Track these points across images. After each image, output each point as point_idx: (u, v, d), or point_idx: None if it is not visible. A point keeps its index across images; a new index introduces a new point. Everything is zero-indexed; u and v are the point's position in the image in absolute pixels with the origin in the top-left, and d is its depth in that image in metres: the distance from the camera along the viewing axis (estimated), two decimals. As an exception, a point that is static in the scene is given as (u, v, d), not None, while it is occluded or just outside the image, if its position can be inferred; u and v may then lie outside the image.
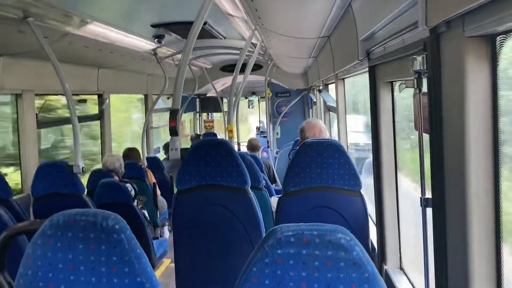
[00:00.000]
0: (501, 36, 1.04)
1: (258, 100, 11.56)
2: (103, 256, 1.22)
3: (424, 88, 1.43)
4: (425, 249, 1.53)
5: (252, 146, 6.69)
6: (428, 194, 1.42)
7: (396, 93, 2.20)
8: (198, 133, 10.23)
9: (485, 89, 1.10)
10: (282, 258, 1.07)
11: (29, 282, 1.25)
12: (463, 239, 1.17)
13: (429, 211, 1.44)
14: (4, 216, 2.50)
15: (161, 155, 7.65)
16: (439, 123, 1.27)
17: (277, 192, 4.62)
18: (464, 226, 1.16)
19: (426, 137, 1.44)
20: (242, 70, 4.28)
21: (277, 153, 8.31)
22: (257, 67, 7.93)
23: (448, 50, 1.18)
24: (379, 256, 2.40)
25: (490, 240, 1.15)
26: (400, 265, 2.33)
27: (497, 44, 1.06)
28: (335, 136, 4.65)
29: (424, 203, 1.43)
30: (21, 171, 4.06)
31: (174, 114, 2.38)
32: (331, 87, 5.36)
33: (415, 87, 1.45)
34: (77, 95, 4.96)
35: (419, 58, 1.36)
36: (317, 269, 1.06)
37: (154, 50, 4.92)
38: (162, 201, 5.67)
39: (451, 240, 1.27)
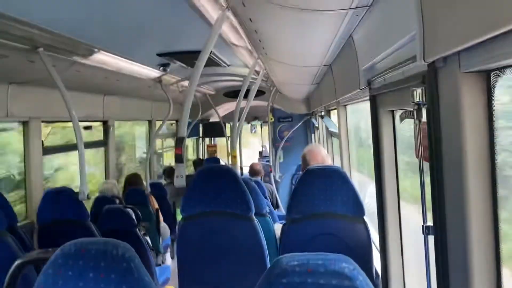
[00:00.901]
0: (495, 72, 1.09)
1: (261, 125, 11.64)
2: (113, 284, 1.25)
3: (424, 119, 1.48)
4: (428, 276, 1.55)
5: (253, 171, 6.71)
6: (430, 222, 1.45)
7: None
8: (201, 158, 10.26)
9: (481, 121, 1.15)
10: None
11: None
12: (465, 266, 1.19)
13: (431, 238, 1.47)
14: (11, 244, 2.52)
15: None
16: (438, 152, 1.31)
17: (280, 217, 4.62)
18: (465, 253, 1.18)
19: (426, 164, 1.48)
20: (245, 96, 4.36)
21: (280, 177, 8.32)
22: (260, 93, 8.04)
23: (446, 84, 1.23)
24: (383, 283, 2.40)
25: (491, 267, 1.17)
26: (404, 292, 2.34)
27: (491, 79, 1.12)
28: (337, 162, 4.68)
29: (426, 231, 1.46)
30: (26, 198, 4.10)
31: (180, 142, 2.43)
32: (333, 112, 5.43)
33: (415, 118, 1.50)
34: (83, 121, 5.03)
35: (418, 90, 1.41)
36: None
37: (159, 77, 5.01)
38: (164, 227, 5.67)
39: (453, 267, 1.30)
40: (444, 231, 1.31)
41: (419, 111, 1.47)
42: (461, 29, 1.05)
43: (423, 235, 1.49)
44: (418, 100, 1.41)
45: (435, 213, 1.35)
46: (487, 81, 1.13)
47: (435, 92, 1.28)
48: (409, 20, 1.41)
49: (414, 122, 1.52)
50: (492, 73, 1.10)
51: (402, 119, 1.62)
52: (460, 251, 1.20)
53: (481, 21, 0.96)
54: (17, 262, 1.55)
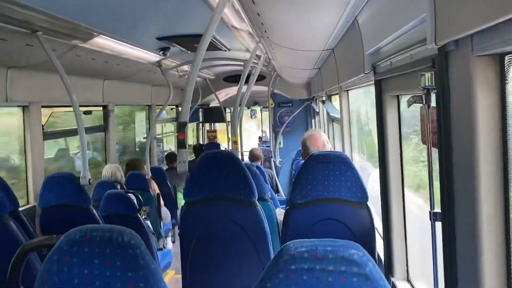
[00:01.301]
0: (509, 55, 1.06)
1: (261, 110, 11.60)
2: (119, 271, 1.24)
3: (433, 103, 1.46)
4: (434, 263, 1.54)
5: (254, 156, 6.69)
6: (437, 208, 1.44)
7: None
8: (201, 143, 10.24)
9: (494, 107, 1.12)
10: (295, 274, 1.09)
11: None
12: (473, 253, 1.18)
13: (438, 225, 1.45)
14: (14, 228, 2.52)
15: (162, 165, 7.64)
16: (448, 138, 1.29)
17: (280, 202, 4.63)
18: (474, 240, 1.17)
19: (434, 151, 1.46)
20: (246, 81, 4.32)
21: (280, 163, 8.32)
22: (260, 78, 7.98)
23: (457, 68, 1.21)
24: (386, 268, 2.41)
25: (500, 253, 1.16)
26: (408, 277, 2.34)
27: (505, 63, 1.09)
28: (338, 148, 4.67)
29: (434, 217, 1.45)
30: (26, 183, 4.09)
31: (182, 127, 2.40)
32: (334, 97, 5.39)
33: (424, 102, 1.47)
34: (83, 106, 4.99)
35: (428, 75, 1.38)
36: (330, 285, 1.08)
37: (158, 61, 4.96)
38: (165, 211, 5.67)
39: (461, 254, 1.29)
40: (452, 217, 1.29)
41: (428, 95, 1.44)
42: (474, 11, 1.02)
43: (430, 221, 1.48)
44: (427, 84, 1.38)
45: (444, 199, 1.33)
46: (500, 64, 1.10)
47: (446, 76, 1.25)
48: (418, 2, 1.38)
49: (423, 107, 1.50)
50: (506, 57, 1.07)
51: (410, 104, 1.60)
52: (470, 237, 1.19)
53: (496, 3, 0.93)
54: (22, 247, 1.53)
